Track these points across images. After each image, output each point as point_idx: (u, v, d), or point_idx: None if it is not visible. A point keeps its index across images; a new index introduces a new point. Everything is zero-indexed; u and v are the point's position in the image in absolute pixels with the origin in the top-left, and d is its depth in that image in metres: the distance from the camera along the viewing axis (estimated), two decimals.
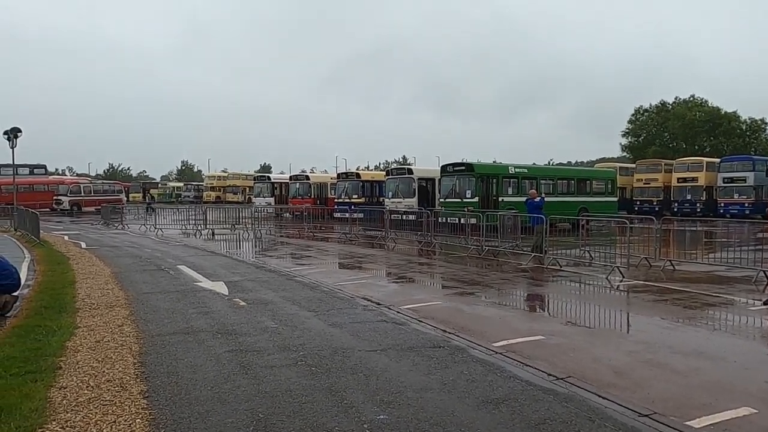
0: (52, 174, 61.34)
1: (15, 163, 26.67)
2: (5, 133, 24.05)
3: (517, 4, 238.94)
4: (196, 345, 6.45)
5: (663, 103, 68.20)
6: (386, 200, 29.36)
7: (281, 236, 24.15)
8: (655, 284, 11.39)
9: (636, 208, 40.40)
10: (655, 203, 40.96)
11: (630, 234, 13.81)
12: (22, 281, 9.74)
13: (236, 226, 25.77)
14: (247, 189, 58.01)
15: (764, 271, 11.47)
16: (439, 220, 20.83)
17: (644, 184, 42.99)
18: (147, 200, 47.64)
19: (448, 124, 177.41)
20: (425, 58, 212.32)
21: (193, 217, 27.40)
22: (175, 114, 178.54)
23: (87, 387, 4.97)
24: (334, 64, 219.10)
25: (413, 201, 27.79)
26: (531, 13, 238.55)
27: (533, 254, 14.57)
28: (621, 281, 11.64)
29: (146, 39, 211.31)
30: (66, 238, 21.25)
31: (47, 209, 40.75)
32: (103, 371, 5.40)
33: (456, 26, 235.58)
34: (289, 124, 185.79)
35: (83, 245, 18.43)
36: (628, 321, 8.66)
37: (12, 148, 24.23)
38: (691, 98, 67.23)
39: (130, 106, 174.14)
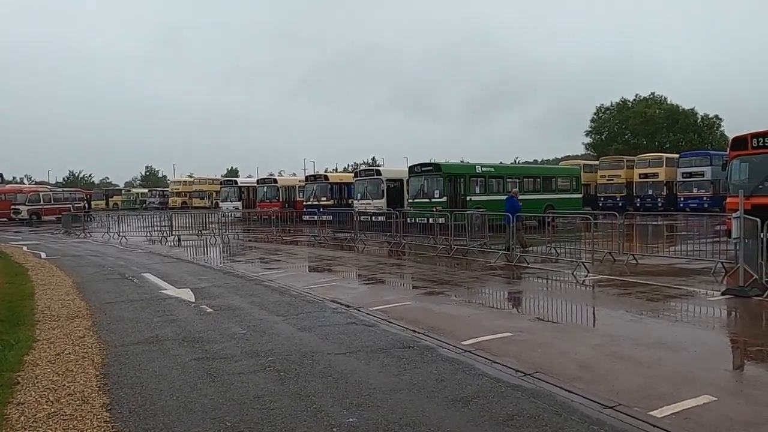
0: (9, 183, 59.38)
1: None
2: None
3: (486, 10, 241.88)
4: (161, 354, 6.31)
5: (624, 101, 69.83)
6: (355, 202, 29.31)
7: (249, 241, 23.87)
8: (619, 278, 11.65)
9: (600, 204, 41.19)
10: (618, 199, 41.87)
11: (594, 230, 14.08)
12: None
13: (203, 231, 25.35)
14: (214, 194, 57.13)
15: (722, 263, 11.83)
16: (408, 220, 20.90)
17: (607, 180, 43.91)
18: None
19: (418, 126, 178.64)
20: (396, 64, 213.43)
21: (159, 223, 26.87)
22: (140, 120, 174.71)
23: (46, 402, 4.82)
24: (305, 70, 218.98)
25: (382, 202, 27.81)
26: (500, 19, 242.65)
27: (503, 252, 14.79)
28: (586, 276, 11.87)
29: (114, 46, 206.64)
30: (25, 248, 20.58)
31: (5, 219, 39.43)
32: (64, 385, 5.25)
33: (426, 32, 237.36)
34: (259, 130, 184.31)
35: (43, 255, 17.88)
36: (593, 315, 8.83)
37: None
38: (651, 96, 69.05)
39: (93, 113, 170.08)
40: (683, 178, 38.48)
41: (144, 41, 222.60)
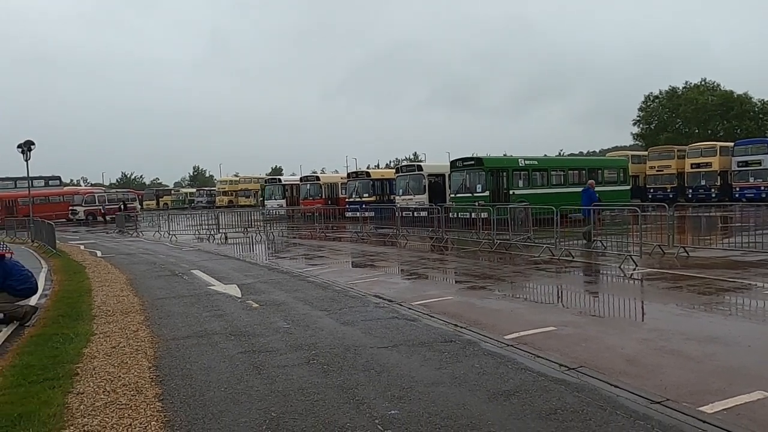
0: (66, 185, 62.17)
1: (30, 175, 27.05)
2: (19, 146, 24.39)
3: (527, 2, 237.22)
4: (209, 347, 6.53)
5: (673, 89, 67.35)
6: (397, 198, 29.39)
7: (293, 238, 24.27)
8: (669, 271, 11.30)
9: (650, 196, 39.98)
10: (668, 190, 40.50)
11: (643, 222, 13.69)
12: (39, 291, 9.92)
13: (249, 229, 25.93)
14: (259, 192, 58.25)
15: None
16: (450, 215, 20.82)
17: (657, 171, 42.48)
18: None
19: (461, 122, 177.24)
20: (437, 59, 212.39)
21: (206, 221, 27.64)
22: (188, 123, 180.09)
23: (103, 392, 5.06)
24: (347, 68, 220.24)
25: (424, 197, 27.79)
26: (541, 11, 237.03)
27: (585, 241, 14.85)
28: (634, 269, 11.57)
29: (161, 51, 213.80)
30: (82, 247, 21.53)
31: (63, 220, 41.32)
32: (119, 376, 5.50)
33: (467, 26, 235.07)
34: (302, 129, 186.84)
35: (99, 254, 18.67)
36: (641, 309, 8.60)
37: (26, 160, 24.57)
38: (702, 82, 66.37)
39: (143, 116, 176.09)
40: (739, 167, 36.89)
41: (190, 47, 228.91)
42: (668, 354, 5.98)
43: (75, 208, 43.12)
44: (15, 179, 46.72)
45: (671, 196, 38.74)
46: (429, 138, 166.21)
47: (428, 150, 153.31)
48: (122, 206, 42.56)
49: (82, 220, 42.20)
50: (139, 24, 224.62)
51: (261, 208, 41.38)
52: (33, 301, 9.30)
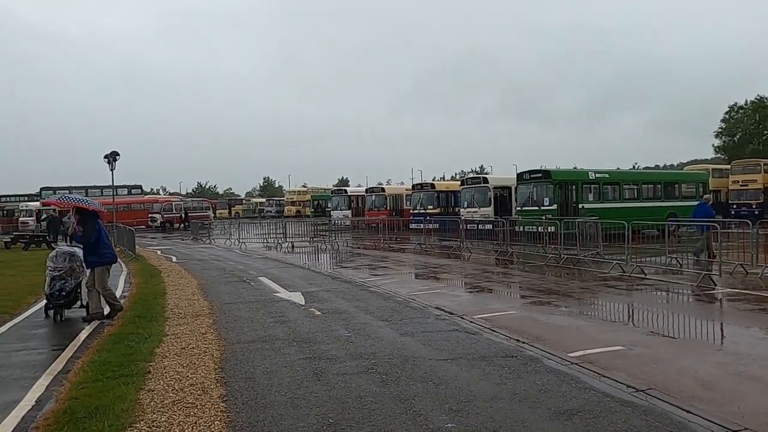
0: (147, 194, 65.75)
1: (114, 184, 28.88)
2: (105, 156, 26.09)
3: (599, 9, 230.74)
4: (272, 352, 6.70)
5: (760, 99, 63.28)
6: (462, 210, 29.13)
7: (357, 248, 24.55)
8: (752, 292, 10.59)
9: (732, 212, 37.61)
10: (754, 206, 37.92)
11: (725, 239, 12.90)
12: (119, 292, 10.54)
13: (314, 239, 26.46)
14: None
15: None
16: (516, 228, 20.41)
17: (741, 186, 39.93)
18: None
19: (529, 133, 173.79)
20: (506, 69, 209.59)
21: (274, 230, 28.44)
22: (259, 134, 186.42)
23: (172, 390, 5.30)
24: (414, 80, 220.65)
25: (489, 210, 27.40)
26: (613, 19, 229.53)
27: (697, 259, 13.92)
28: (713, 289, 10.91)
29: (234, 65, 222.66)
30: (159, 252, 22.68)
31: (143, 226, 43.70)
32: (187, 376, 5.73)
33: (537, 35, 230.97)
34: (369, 139, 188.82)
35: (174, 259, 19.60)
36: (718, 331, 8.10)
37: (111, 170, 26.26)
38: None
39: (218, 128, 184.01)
40: None
41: (261, 61, 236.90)
42: (748, 380, 5.59)
43: (154, 215, 45.52)
44: (101, 188, 49.89)
45: (757, 212, 36.23)
46: (497, 150, 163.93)
47: (496, 162, 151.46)
48: (183, 215, 44.79)
49: (160, 227, 44.47)
50: (212, 38, 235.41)
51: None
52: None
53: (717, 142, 66.43)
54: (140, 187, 59.36)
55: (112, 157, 25.94)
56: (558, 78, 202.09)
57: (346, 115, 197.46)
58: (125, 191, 52.59)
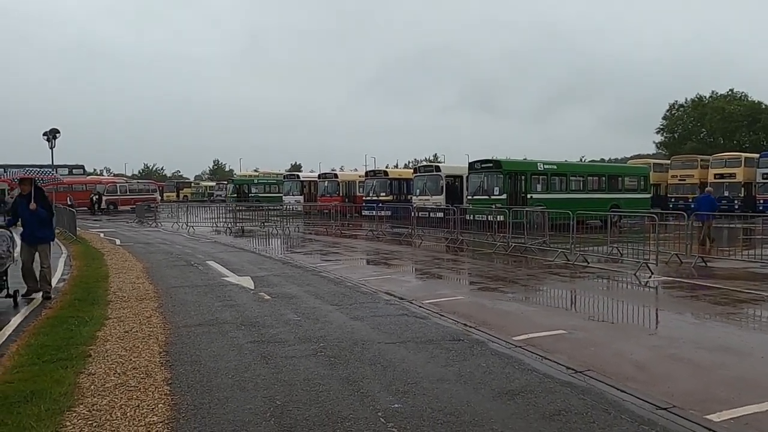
0: (90, 174, 63.21)
1: (54, 163, 27.59)
2: (45, 134, 24.88)
3: (556, 10, 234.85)
4: (219, 336, 6.61)
5: (699, 98, 66.34)
6: (414, 198, 29.36)
7: (309, 233, 24.40)
8: (685, 281, 11.16)
9: (671, 205, 39.40)
10: (690, 200, 39.87)
11: (663, 231, 13.51)
12: (58, 275, 10.14)
13: (266, 223, 26.12)
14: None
15: None
16: (467, 217, 20.75)
17: (679, 180, 41.88)
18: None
19: (485, 125, 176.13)
20: (465, 62, 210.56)
21: (224, 214, 27.91)
22: (211, 118, 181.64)
23: (114, 374, 5.16)
24: (375, 69, 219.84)
25: (441, 198, 27.74)
26: (569, 18, 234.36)
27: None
28: (650, 277, 11.43)
29: (190, 47, 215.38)
30: (102, 235, 21.89)
31: (86, 208, 42.01)
32: (130, 359, 5.59)
33: (497, 30, 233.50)
34: (325, 127, 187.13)
35: (118, 242, 18.97)
36: (653, 316, 8.52)
37: (51, 148, 25.07)
38: (730, 92, 65.25)
39: (168, 110, 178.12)
40: (763, 179, 36.17)
41: (219, 44, 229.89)
42: (678, 362, 5.91)
43: (97, 196, 43.79)
44: (40, 167, 47.51)
45: (693, 206, 38.17)
46: (453, 140, 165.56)
47: (452, 152, 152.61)
48: (95, 198, 42.20)
49: (104, 209, 42.87)
50: (170, 18, 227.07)
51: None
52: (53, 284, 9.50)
53: (658, 138, 69.37)
54: (82, 167, 56.99)
55: (51, 135, 24.76)
56: (515, 73, 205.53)
57: (306, 102, 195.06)
58: (66, 171, 50.30)
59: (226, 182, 66.74)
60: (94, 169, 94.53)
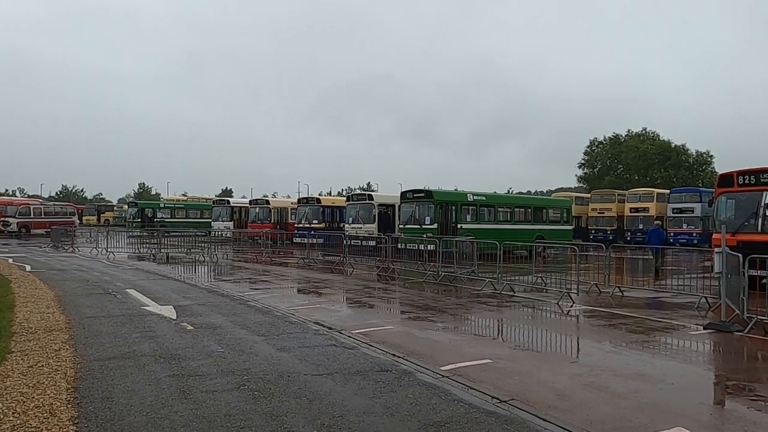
0: (1, 195, 59.08)
1: None
2: None
3: (490, 49, 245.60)
4: (136, 370, 6.24)
5: (616, 135, 70.81)
6: (346, 226, 29.33)
7: (238, 261, 23.77)
8: (604, 309, 11.66)
9: (591, 237, 41.44)
10: (609, 232, 42.16)
11: (583, 261, 14.13)
12: None
13: (192, 250, 25.23)
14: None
15: (706, 298, 11.89)
16: (399, 246, 20.91)
17: (599, 213, 44.26)
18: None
19: (420, 155, 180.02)
20: (403, 95, 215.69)
21: (148, 240, 26.74)
22: (138, 140, 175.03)
23: (13, 413, 4.74)
24: (314, 98, 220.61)
25: (373, 227, 27.84)
26: (502, 57, 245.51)
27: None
28: (572, 306, 11.87)
29: (122, 66, 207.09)
30: (10, 260, 20.39)
31: None
32: (33, 397, 5.17)
33: (436, 65, 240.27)
34: (260, 154, 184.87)
35: (28, 268, 17.73)
36: (574, 345, 8.81)
37: None
38: (643, 131, 70.09)
39: (90, 131, 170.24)
40: (673, 213, 38.80)
41: (150, 65, 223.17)
42: (596, 389, 6.12)
43: (7, 219, 40.96)
44: None
45: (611, 237, 40.29)
46: (387, 169, 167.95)
47: (384, 181, 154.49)
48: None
49: (14, 232, 40.09)
50: (107, 37, 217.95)
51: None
52: None
53: (580, 172, 73.13)
54: None
55: None
56: (450, 106, 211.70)
57: (241, 126, 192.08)
58: None
59: (126, 205, 61.42)
60: (6, 190, 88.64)
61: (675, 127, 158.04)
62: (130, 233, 30.55)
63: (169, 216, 47.96)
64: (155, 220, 45.90)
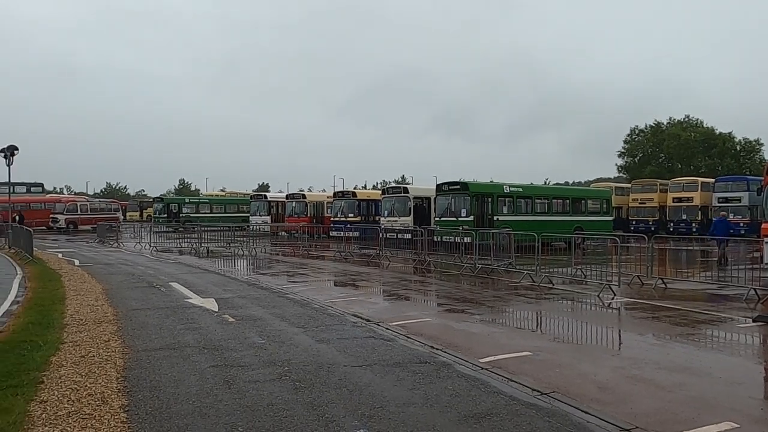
0: (49, 193, 61.34)
1: (11, 181, 26.71)
2: (1, 150, 24.09)
3: (528, 39, 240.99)
4: (181, 360, 6.43)
5: (657, 123, 68.65)
6: (382, 219, 29.37)
7: (276, 254, 24.13)
8: (647, 302, 11.39)
9: (632, 228, 40.42)
10: (650, 222, 41.02)
11: (624, 253, 13.82)
12: (12, 297, 9.74)
13: (232, 244, 25.74)
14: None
15: (755, 289, 11.48)
16: (435, 238, 20.85)
17: (640, 203, 43.09)
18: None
19: (455, 148, 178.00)
20: (438, 87, 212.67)
21: (189, 234, 27.39)
22: (178, 137, 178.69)
23: (68, 401, 4.95)
24: (350, 93, 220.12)
25: (409, 220, 27.81)
26: (539, 48, 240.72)
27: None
28: (613, 299, 11.64)
29: (161, 68, 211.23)
30: (60, 255, 21.21)
31: (44, 227, 40.72)
32: (86, 385, 5.38)
33: (471, 58, 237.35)
34: (297, 149, 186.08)
35: (77, 263, 18.40)
36: (616, 337, 8.65)
37: (8, 165, 24.26)
38: (686, 118, 67.77)
39: (134, 128, 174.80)
40: (719, 203, 37.50)
41: (192, 64, 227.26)
42: (640, 382, 6.00)
43: (56, 216, 42.56)
44: None
45: (653, 228, 39.21)
46: (423, 163, 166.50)
47: (422, 174, 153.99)
48: (16, 217, 34.87)
49: (63, 228, 41.65)
50: (144, 38, 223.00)
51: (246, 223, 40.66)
52: (4, 307, 9.14)
53: (620, 162, 71.27)
54: (41, 185, 55.29)
55: (9, 152, 23.94)
56: (486, 98, 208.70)
57: (277, 122, 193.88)
58: (24, 189, 48.71)
59: (152, 200, 60.98)
60: (54, 188, 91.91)
61: (721, 115, 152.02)
62: (154, 229, 31.05)
63: (194, 211, 48.66)
64: (180, 215, 46.88)
